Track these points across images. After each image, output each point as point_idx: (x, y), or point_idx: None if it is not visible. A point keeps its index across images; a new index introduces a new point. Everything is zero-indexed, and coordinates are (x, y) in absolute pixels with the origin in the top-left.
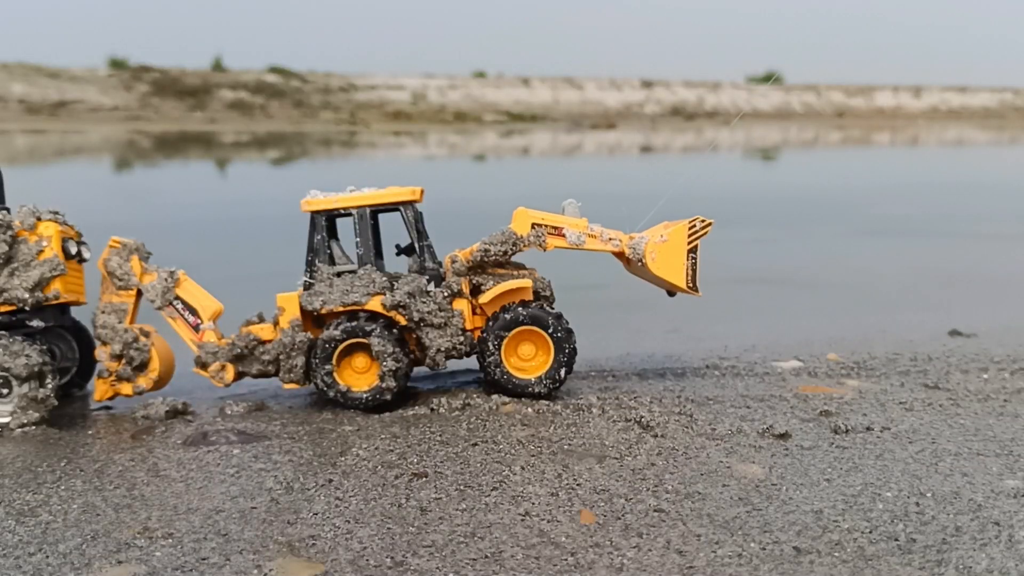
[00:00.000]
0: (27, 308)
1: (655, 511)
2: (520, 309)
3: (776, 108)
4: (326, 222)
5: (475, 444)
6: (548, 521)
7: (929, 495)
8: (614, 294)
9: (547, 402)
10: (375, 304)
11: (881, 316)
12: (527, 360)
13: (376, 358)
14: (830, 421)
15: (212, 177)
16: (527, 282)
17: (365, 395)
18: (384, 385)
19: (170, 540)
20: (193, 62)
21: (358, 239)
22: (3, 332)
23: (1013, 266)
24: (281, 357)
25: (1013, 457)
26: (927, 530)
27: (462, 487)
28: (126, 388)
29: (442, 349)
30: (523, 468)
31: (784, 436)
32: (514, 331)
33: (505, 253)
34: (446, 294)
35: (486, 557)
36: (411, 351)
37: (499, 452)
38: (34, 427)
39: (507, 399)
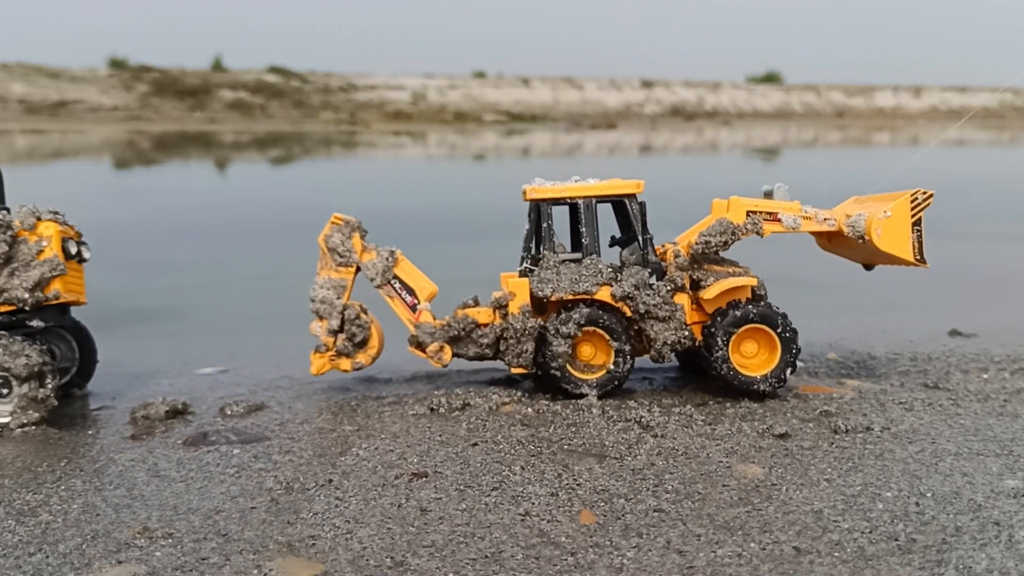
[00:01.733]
0: (27, 308)
1: (655, 511)
2: (750, 307)
3: (776, 108)
4: (549, 211)
5: (475, 444)
6: (548, 521)
7: (929, 495)
8: None
9: (547, 402)
10: (604, 294)
11: (881, 316)
12: (749, 357)
13: (613, 346)
14: (830, 421)
15: (212, 177)
16: (752, 280)
17: (598, 380)
18: (619, 371)
19: (170, 540)
20: (193, 62)
21: (583, 228)
22: (3, 332)
23: (1013, 266)
24: (511, 342)
25: (1013, 457)
26: (927, 530)
27: (462, 487)
28: (345, 364)
29: (668, 342)
30: (523, 468)
31: (784, 436)
32: (742, 328)
33: (725, 243)
34: (669, 288)
35: (486, 557)
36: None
37: (499, 452)
38: (34, 427)
39: (506, 399)
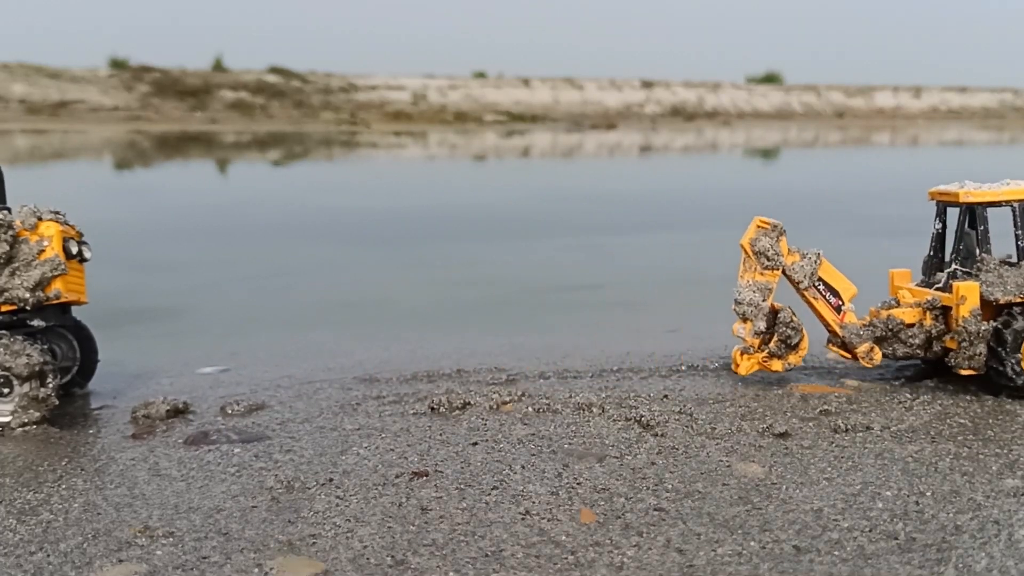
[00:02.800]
0: (28, 308)
1: (655, 510)
2: None
3: (776, 108)
4: (985, 214)
5: (475, 443)
6: (548, 520)
7: (929, 494)
8: (614, 294)
9: (547, 401)
10: None
11: None
12: None
13: None
14: (830, 420)
15: (212, 177)
16: None
17: None
18: None
19: (171, 539)
20: (194, 62)
21: (1019, 232)
22: (4, 332)
23: None
24: (963, 345)
25: (1012, 457)
26: (927, 529)
27: (462, 486)
28: (776, 365)
29: None
30: (523, 467)
31: (784, 435)
32: None
33: None
34: None
35: (486, 555)
36: None
37: (499, 451)
38: (35, 426)
39: (507, 398)
